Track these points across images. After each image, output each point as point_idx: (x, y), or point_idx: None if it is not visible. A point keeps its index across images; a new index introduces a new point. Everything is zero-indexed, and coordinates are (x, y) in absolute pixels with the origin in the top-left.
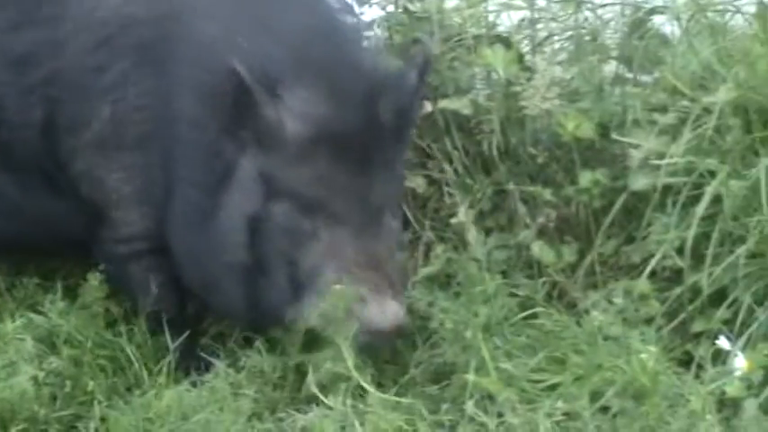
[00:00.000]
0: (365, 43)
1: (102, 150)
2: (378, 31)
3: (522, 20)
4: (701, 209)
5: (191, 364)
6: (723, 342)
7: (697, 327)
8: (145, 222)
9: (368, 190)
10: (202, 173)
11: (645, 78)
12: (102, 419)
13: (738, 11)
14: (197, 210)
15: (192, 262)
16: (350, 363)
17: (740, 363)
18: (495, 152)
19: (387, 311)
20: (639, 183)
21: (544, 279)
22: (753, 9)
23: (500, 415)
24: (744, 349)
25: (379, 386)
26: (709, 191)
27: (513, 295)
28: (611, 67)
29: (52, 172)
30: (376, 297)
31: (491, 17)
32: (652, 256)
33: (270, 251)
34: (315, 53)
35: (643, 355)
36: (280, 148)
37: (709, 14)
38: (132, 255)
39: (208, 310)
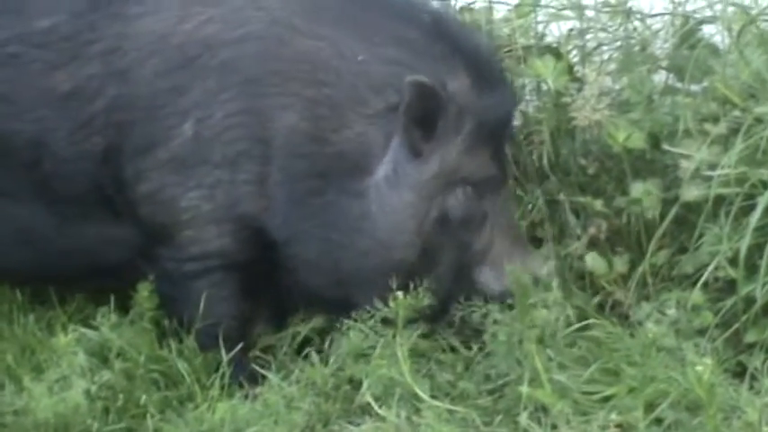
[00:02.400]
0: (474, 30)
1: (177, 170)
2: None
3: (572, 30)
4: (753, 219)
5: (243, 377)
6: None
7: (750, 337)
8: (222, 239)
9: (506, 159)
10: (349, 184)
11: (695, 88)
12: None
13: None
14: (342, 218)
15: (328, 267)
16: (405, 370)
17: None
18: (545, 163)
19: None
20: (691, 193)
21: (596, 291)
22: None
23: (554, 427)
24: None
25: (433, 398)
26: (762, 201)
27: (565, 308)
28: (661, 77)
29: (106, 198)
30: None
31: (540, 28)
32: (705, 266)
33: (445, 241)
34: (446, 48)
35: (698, 367)
36: (458, 142)
37: (760, 24)
38: (200, 272)
39: (261, 322)
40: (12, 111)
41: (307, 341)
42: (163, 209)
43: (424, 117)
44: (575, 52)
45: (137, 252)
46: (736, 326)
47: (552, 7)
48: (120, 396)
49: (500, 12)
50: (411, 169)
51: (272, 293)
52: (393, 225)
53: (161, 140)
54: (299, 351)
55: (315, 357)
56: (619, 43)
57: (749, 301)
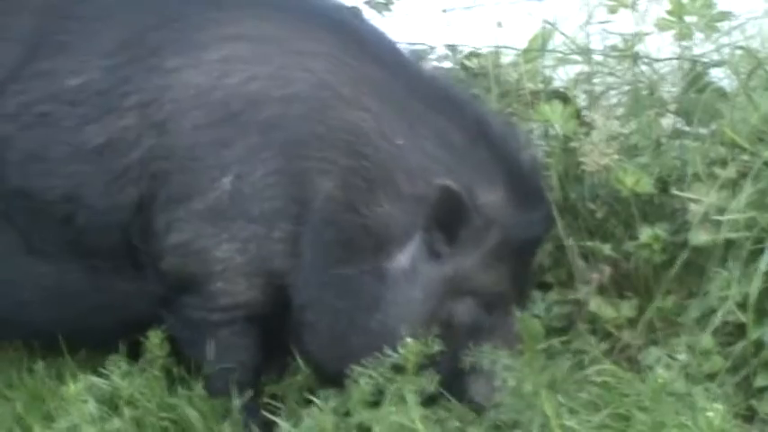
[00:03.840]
0: (514, 132)
1: (213, 222)
2: None
3: (579, 74)
4: (763, 263)
5: (254, 423)
6: None
7: (761, 382)
8: (251, 292)
9: (530, 276)
10: (367, 262)
11: (703, 132)
12: None
13: None
14: (358, 295)
15: (335, 339)
16: (416, 416)
17: None
18: (554, 208)
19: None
20: (700, 238)
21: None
22: None
23: None
24: None
25: None
26: None
27: (574, 352)
28: (669, 121)
29: (136, 252)
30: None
31: (548, 72)
32: (714, 311)
33: (447, 344)
34: (480, 152)
35: (709, 413)
36: (477, 255)
37: None
38: (225, 322)
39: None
40: (45, 167)
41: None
42: (195, 259)
43: (448, 222)
44: (582, 96)
45: (161, 303)
46: (746, 370)
47: (560, 52)
48: None
49: (508, 56)
50: (427, 268)
51: (284, 345)
52: (401, 317)
53: (198, 192)
54: (307, 399)
55: (324, 405)
56: (627, 87)
57: (759, 345)
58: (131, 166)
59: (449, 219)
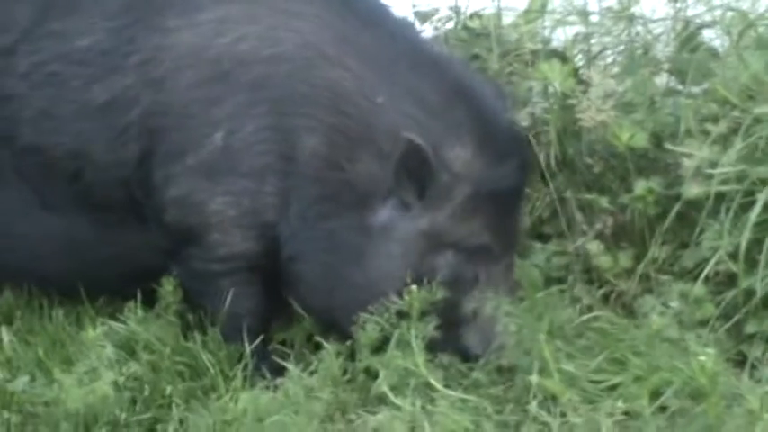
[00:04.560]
0: (497, 94)
1: (207, 176)
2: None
3: (577, 35)
4: (753, 215)
5: (265, 368)
6: None
7: (750, 328)
8: (246, 243)
9: (514, 227)
10: (351, 216)
11: (696, 90)
12: (181, 422)
13: None
14: (343, 245)
15: (324, 290)
16: (420, 360)
17: None
18: (552, 162)
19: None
20: (693, 191)
21: (601, 283)
22: None
23: (563, 414)
24: None
25: (446, 388)
26: (761, 198)
27: (572, 300)
28: (662, 80)
29: (138, 204)
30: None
31: (547, 33)
32: (706, 260)
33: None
34: (456, 110)
35: (701, 357)
36: (448, 208)
37: (759, 28)
38: (226, 271)
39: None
40: (54, 125)
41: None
42: (192, 212)
43: (415, 176)
44: (580, 56)
45: (167, 254)
46: (736, 317)
47: (558, 13)
48: (147, 387)
49: (508, 17)
50: (401, 222)
51: None
52: (383, 271)
53: (192, 147)
54: (316, 344)
55: (331, 349)
56: (622, 47)
57: (749, 293)
58: (132, 123)
59: (415, 172)
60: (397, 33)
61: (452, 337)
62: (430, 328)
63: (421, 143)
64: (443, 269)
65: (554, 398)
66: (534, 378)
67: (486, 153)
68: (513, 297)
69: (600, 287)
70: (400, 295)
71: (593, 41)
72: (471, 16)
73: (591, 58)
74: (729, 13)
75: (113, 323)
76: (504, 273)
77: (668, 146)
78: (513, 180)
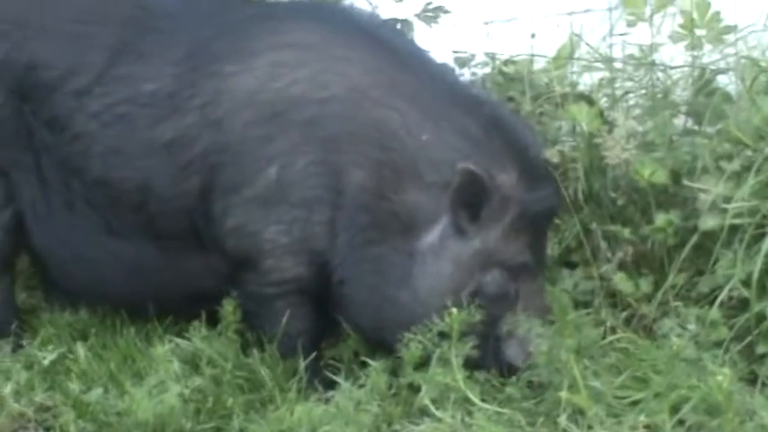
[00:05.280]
0: (526, 127)
1: (262, 207)
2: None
3: (602, 80)
4: (765, 246)
5: (317, 382)
6: None
7: (762, 349)
8: (297, 269)
9: (546, 246)
10: (397, 242)
11: (711, 131)
12: (241, 431)
13: None
14: (391, 269)
15: (372, 311)
16: (459, 377)
17: None
18: (579, 196)
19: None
20: (708, 223)
21: (624, 307)
22: None
23: (589, 427)
24: None
25: (483, 402)
26: None
27: (597, 322)
28: (680, 121)
29: (199, 232)
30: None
31: (575, 77)
32: (721, 287)
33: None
34: (496, 141)
35: (718, 377)
36: (498, 228)
37: None
38: (279, 294)
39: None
40: (123, 160)
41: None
42: (248, 241)
43: (471, 201)
44: (605, 99)
45: (226, 279)
46: (748, 339)
47: (585, 60)
48: (210, 399)
49: (539, 63)
50: (454, 244)
51: None
52: (432, 289)
53: (248, 181)
54: (363, 361)
55: (377, 366)
56: (644, 91)
57: (760, 317)
58: (193, 159)
59: (471, 198)
60: (437, 76)
61: (493, 350)
62: (468, 347)
63: (477, 170)
64: (490, 286)
65: (581, 412)
66: (564, 394)
67: (526, 178)
68: (547, 313)
69: (623, 311)
70: (444, 311)
71: (617, 86)
72: (506, 62)
73: (615, 101)
74: (742, 61)
75: (179, 340)
76: (539, 290)
77: (686, 182)
78: (549, 203)
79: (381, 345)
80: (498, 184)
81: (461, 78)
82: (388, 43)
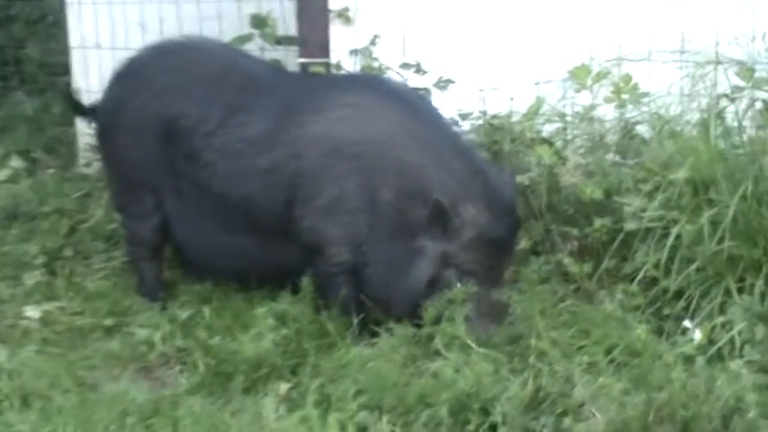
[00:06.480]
0: (499, 173)
1: (327, 213)
2: (472, 135)
3: (558, 128)
4: (669, 241)
5: (365, 333)
6: (687, 322)
7: (666, 311)
8: (347, 255)
9: (502, 264)
10: (404, 241)
11: (632, 163)
12: (313, 365)
13: (689, 123)
14: (396, 260)
15: (384, 286)
16: (461, 330)
17: (697, 334)
18: (543, 207)
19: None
20: (630, 226)
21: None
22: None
23: (550, 364)
24: (696, 326)
25: (478, 347)
26: (673, 231)
27: (554, 293)
28: (611, 156)
29: (286, 229)
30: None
31: (540, 126)
32: (638, 269)
33: (437, 292)
34: (474, 184)
35: (637, 330)
36: (457, 243)
37: (672, 125)
38: (338, 273)
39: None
40: (235, 181)
41: None
42: (318, 236)
43: (439, 220)
44: (560, 142)
45: (303, 261)
46: (657, 304)
47: (546, 114)
48: (293, 343)
49: (516, 117)
50: (429, 247)
51: None
52: (416, 276)
53: (318, 195)
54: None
55: (406, 323)
56: (586, 136)
57: (665, 290)
58: (282, 181)
59: (439, 219)
60: (444, 128)
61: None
62: (467, 309)
63: (443, 201)
64: (448, 278)
65: (544, 353)
66: (533, 341)
67: (489, 212)
68: (496, 304)
69: (571, 285)
70: (424, 291)
71: (568, 133)
72: (493, 116)
73: (567, 143)
74: (653, 116)
75: (273, 303)
76: (486, 294)
77: (615, 198)
78: (504, 233)
79: (387, 311)
80: (461, 212)
81: (463, 131)
82: (412, 104)
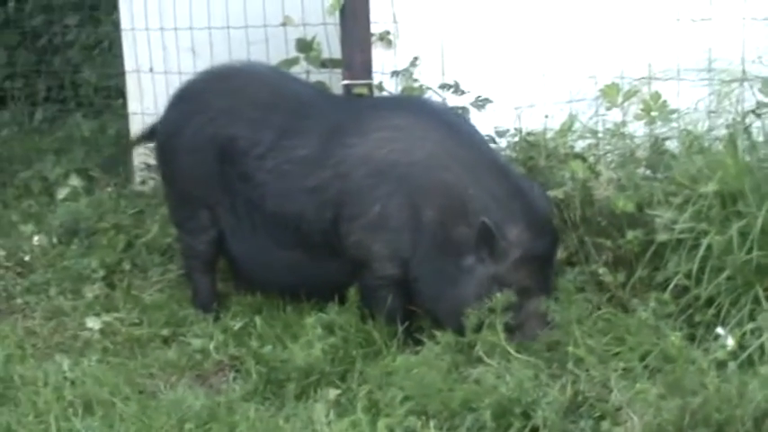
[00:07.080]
0: (533, 188)
1: (371, 230)
2: (508, 151)
3: (590, 144)
4: (699, 252)
5: (410, 341)
6: (720, 329)
7: (698, 318)
8: (393, 269)
9: (550, 276)
10: (450, 258)
11: (662, 177)
12: (360, 372)
13: (717, 139)
14: (445, 276)
15: (434, 300)
16: (501, 337)
17: (729, 341)
18: (577, 219)
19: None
20: (662, 237)
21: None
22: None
23: (586, 370)
24: (729, 332)
25: (518, 353)
26: (704, 242)
27: (589, 301)
28: (642, 170)
29: (333, 245)
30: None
31: (573, 143)
32: (670, 279)
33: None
34: (514, 203)
35: (671, 338)
36: (505, 264)
37: (701, 141)
38: (383, 286)
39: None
40: (286, 199)
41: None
42: (363, 251)
43: (486, 242)
44: (592, 157)
45: (349, 275)
46: (689, 312)
47: (580, 131)
48: (341, 351)
49: (550, 134)
50: (479, 269)
51: None
52: (464, 294)
53: (362, 213)
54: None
55: (449, 331)
56: (618, 152)
57: (697, 298)
58: (329, 199)
59: (486, 241)
60: (483, 148)
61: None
62: (507, 317)
63: (490, 224)
64: (503, 299)
65: (581, 360)
66: (570, 348)
67: (530, 230)
68: (543, 318)
69: (606, 294)
70: (470, 307)
71: (600, 149)
72: (528, 134)
73: (599, 159)
74: (683, 132)
75: (321, 314)
76: (537, 304)
77: (647, 210)
78: (546, 249)
79: (436, 321)
80: (506, 234)
81: (499, 148)
82: (452, 124)
